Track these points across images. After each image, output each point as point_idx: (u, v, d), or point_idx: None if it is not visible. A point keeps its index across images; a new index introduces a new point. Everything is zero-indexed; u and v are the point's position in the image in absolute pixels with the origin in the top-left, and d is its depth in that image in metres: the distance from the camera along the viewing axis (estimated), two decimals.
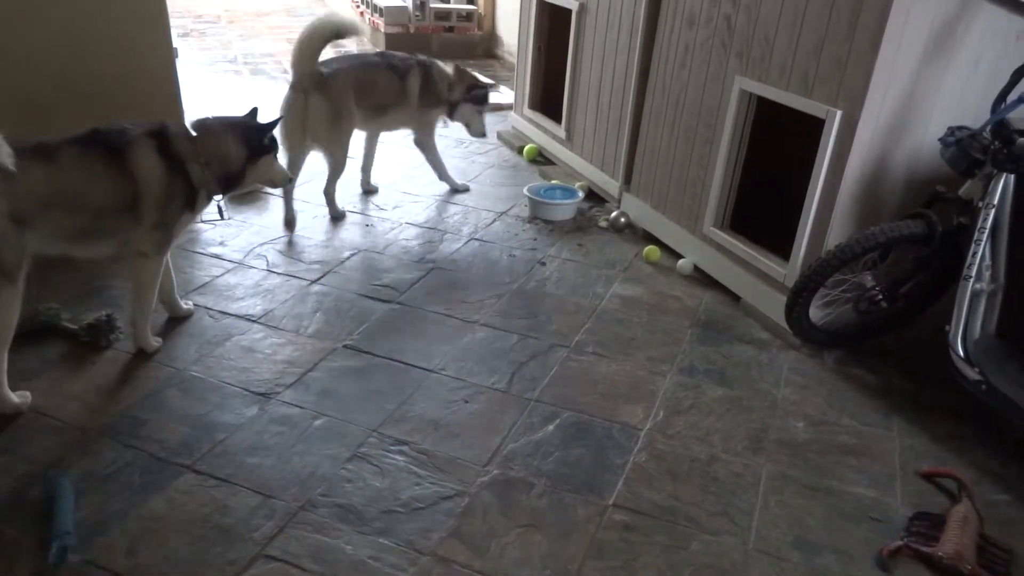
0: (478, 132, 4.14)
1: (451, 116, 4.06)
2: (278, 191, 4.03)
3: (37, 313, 2.68)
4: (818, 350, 2.89)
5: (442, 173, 4.21)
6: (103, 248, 2.48)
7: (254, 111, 2.70)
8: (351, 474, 2.16)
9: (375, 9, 7.37)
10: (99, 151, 2.35)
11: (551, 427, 2.40)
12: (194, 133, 2.53)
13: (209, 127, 2.57)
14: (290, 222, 3.67)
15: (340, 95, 3.59)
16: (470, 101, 4.00)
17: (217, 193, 2.63)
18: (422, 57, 3.98)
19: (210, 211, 3.64)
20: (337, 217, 3.83)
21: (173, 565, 1.84)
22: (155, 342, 2.65)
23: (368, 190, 4.17)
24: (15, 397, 2.31)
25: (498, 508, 2.08)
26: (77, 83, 3.11)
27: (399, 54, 4.00)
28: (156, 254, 2.55)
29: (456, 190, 4.20)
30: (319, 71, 3.55)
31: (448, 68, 4.02)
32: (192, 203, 2.57)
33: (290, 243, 3.49)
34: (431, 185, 4.30)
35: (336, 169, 3.78)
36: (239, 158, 2.60)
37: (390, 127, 4.08)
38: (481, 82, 4.09)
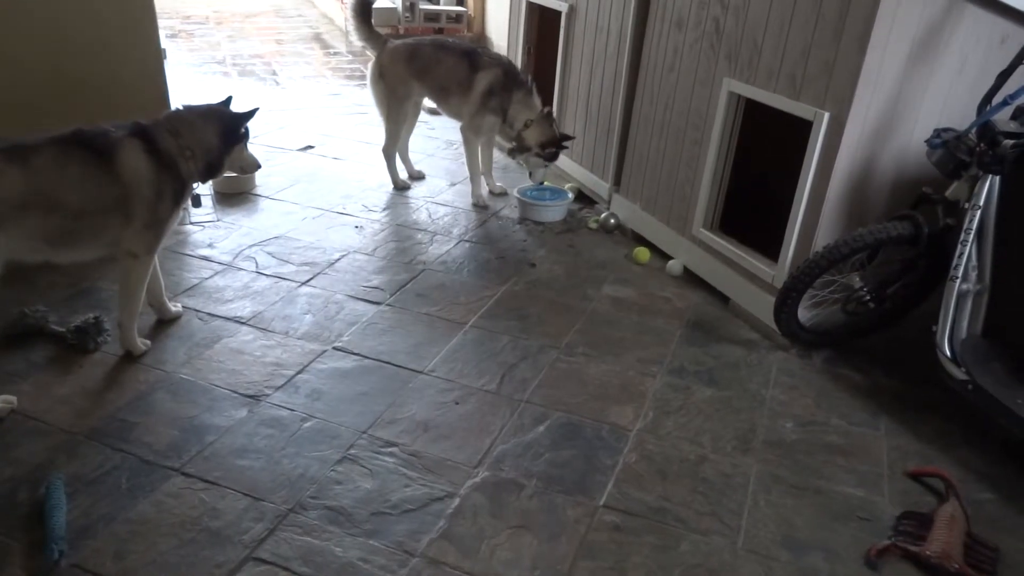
0: (537, 180, 4.04)
1: (515, 152, 3.98)
2: (271, 194, 4.03)
3: (24, 316, 2.66)
4: (806, 351, 2.91)
5: (473, 175, 4.11)
6: (87, 252, 2.46)
7: (228, 100, 2.69)
8: (341, 476, 2.16)
9: None
10: (81, 153, 2.33)
11: (541, 428, 2.40)
12: (170, 127, 2.50)
13: (187, 119, 2.55)
14: (399, 185, 4.19)
15: (389, 63, 3.98)
16: (541, 156, 3.90)
17: (198, 183, 2.64)
18: (513, 66, 3.97)
19: (199, 213, 3.65)
20: (397, 187, 4.19)
21: (161, 568, 1.84)
22: (142, 345, 2.64)
23: (494, 190, 4.25)
24: None
25: (488, 509, 2.08)
26: (65, 84, 3.10)
27: (494, 52, 4.14)
28: (146, 254, 2.54)
29: (475, 203, 4.08)
30: (382, 41, 4.01)
31: (538, 102, 3.89)
32: (181, 197, 2.57)
33: (278, 245, 3.48)
34: (421, 186, 4.30)
35: (386, 132, 4.12)
36: (219, 147, 2.59)
37: (451, 114, 4.13)
38: (558, 140, 3.89)
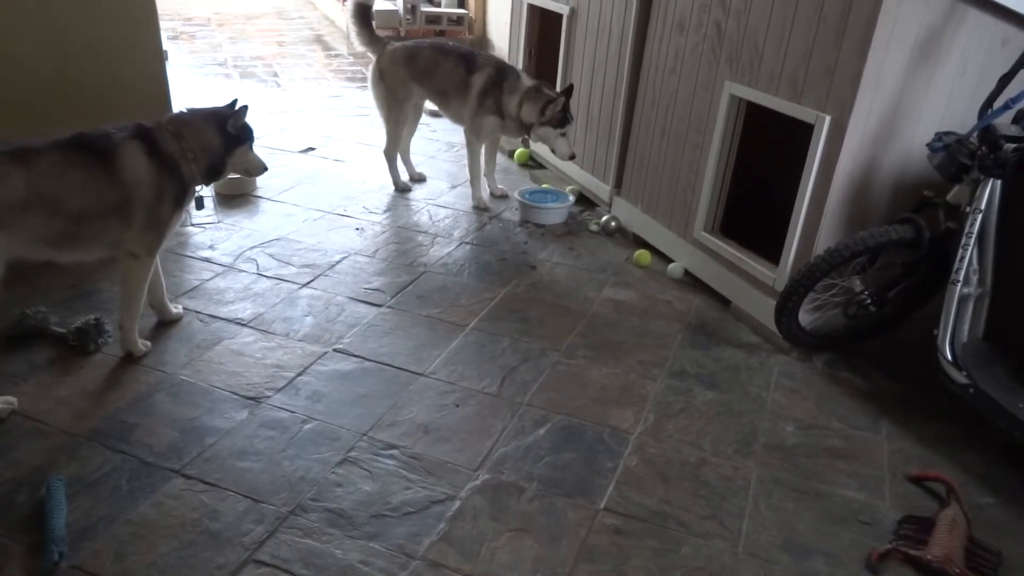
0: (563, 154, 3.81)
1: (527, 138, 3.90)
2: (272, 196, 4.03)
3: (25, 317, 2.66)
4: (807, 354, 2.90)
5: (473, 178, 4.09)
6: (89, 253, 2.47)
7: (234, 103, 2.65)
8: (341, 478, 2.16)
9: None
10: (82, 156, 2.34)
11: (542, 431, 2.40)
12: (172, 129, 2.50)
13: (190, 121, 2.55)
14: (400, 187, 4.21)
15: (387, 65, 4.02)
16: (547, 124, 3.72)
17: (200, 185, 2.63)
18: (505, 64, 3.97)
19: (200, 214, 3.65)
20: (398, 189, 4.21)
21: (161, 570, 1.83)
22: (143, 346, 2.64)
23: (495, 192, 4.25)
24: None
25: (488, 512, 2.07)
26: (66, 86, 3.10)
27: (486, 53, 4.16)
28: (147, 255, 2.54)
29: (476, 206, 4.08)
30: (382, 43, 4.08)
31: (527, 82, 3.82)
32: (182, 199, 2.56)
33: (279, 247, 3.48)
34: (422, 189, 4.30)
35: (387, 134, 4.16)
36: (220, 149, 2.58)
37: (452, 117, 4.13)
38: (554, 99, 3.70)
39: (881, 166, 2.72)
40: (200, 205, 2.76)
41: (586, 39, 4.04)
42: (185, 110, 2.61)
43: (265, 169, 2.81)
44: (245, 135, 2.66)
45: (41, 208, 2.26)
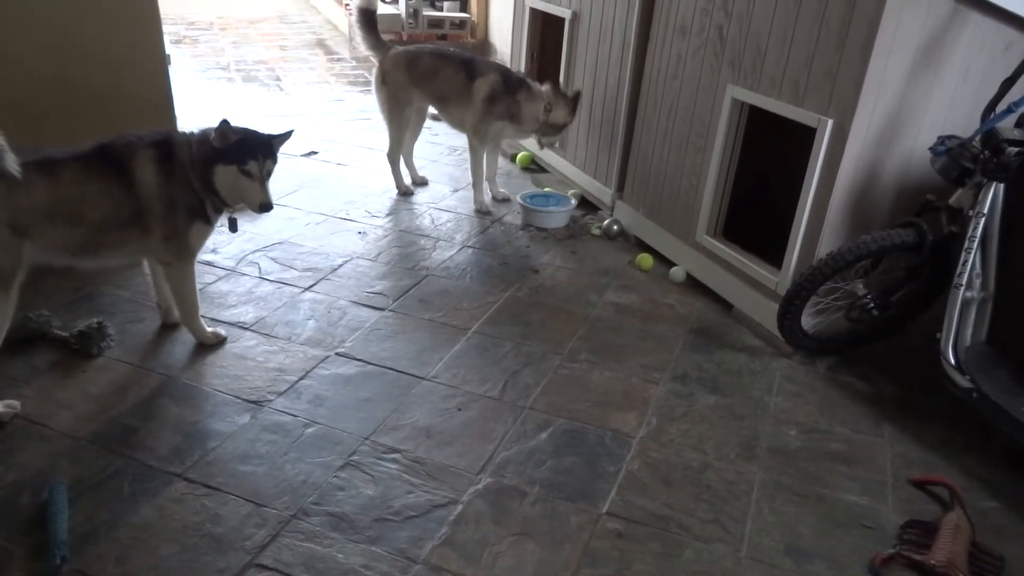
0: (549, 143, 4.13)
1: (542, 139, 4.03)
2: (274, 199, 4.03)
3: (27, 320, 2.66)
4: (810, 358, 2.90)
5: (476, 182, 4.09)
6: (111, 260, 2.52)
7: (289, 133, 2.59)
8: (343, 482, 2.15)
9: None
10: (103, 167, 2.36)
11: (544, 435, 2.40)
12: (197, 140, 2.47)
13: (206, 134, 2.51)
14: (402, 190, 4.23)
15: (391, 68, 4.04)
16: (569, 123, 3.96)
17: (220, 203, 2.54)
18: (507, 68, 3.99)
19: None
20: (401, 192, 4.24)
21: (163, 574, 1.83)
22: (213, 335, 2.72)
23: (497, 196, 4.26)
24: (2, 405, 2.29)
25: (491, 516, 2.07)
26: (69, 89, 3.11)
27: (485, 58, 4.21)
28: (179, 260, 2.57)
29: (478, 209, 4.08)
30: (386, 48, 4.10)
31: (540, 86, 3.89)
32: (202, 213, 2.53)
33: (282, 250, 3.49)
34: (424, 192, 4.31)
35: (389, 137, 4.18)
36: (206, 164, 2.44)
37: (452, 123, 4.15)
38: (579, 94, 3.93)
39: (883, 170, 2.72)
40: (233, 227, 2.64)
41: (588, 43, 4.04)
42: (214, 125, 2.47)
43: (263, 206, 2.49)
44: (232, 155, 2.42)
45: (64, 217, 2.28)
